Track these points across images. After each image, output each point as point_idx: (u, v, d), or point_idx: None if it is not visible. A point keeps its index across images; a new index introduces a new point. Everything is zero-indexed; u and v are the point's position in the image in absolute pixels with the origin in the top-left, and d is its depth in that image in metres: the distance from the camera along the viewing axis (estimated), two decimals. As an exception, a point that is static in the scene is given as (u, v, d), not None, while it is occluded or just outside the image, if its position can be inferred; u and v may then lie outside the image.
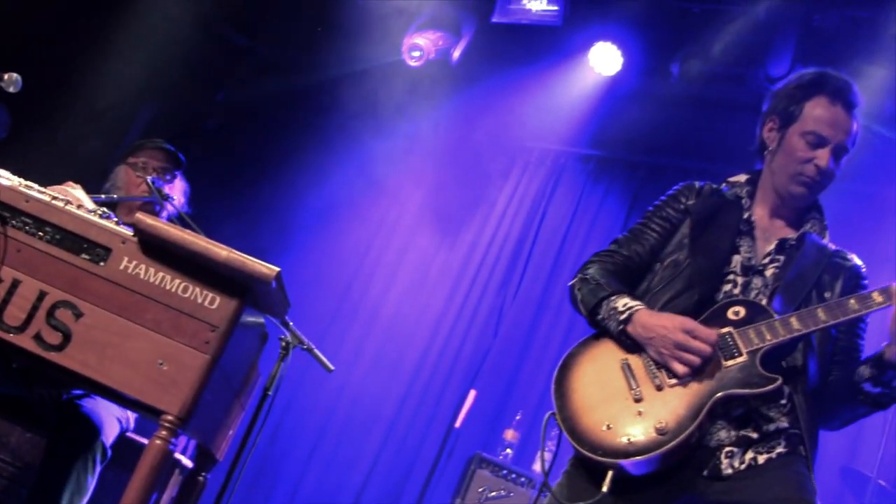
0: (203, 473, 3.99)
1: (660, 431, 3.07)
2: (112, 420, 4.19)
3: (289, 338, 4.08)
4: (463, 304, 8.05)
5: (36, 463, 4.22)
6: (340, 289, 8.42)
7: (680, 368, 3.15)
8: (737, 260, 3.42)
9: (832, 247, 3.53)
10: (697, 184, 3.64)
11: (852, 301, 3.16)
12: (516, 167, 8.54)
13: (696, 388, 3.14)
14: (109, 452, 4.14)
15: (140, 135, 8.41)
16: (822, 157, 3.38)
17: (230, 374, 3.51)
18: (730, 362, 3.17)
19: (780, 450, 3.19)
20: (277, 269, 3.22)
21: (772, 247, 3.44)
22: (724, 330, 3.24)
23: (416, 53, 8.01)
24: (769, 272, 3.41)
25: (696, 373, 3.16)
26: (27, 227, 3.36)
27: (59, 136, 7.58)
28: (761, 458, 3.17)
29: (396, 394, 7.76)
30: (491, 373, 7.65)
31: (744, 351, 3.18)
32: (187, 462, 4.80)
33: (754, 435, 3.19)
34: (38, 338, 3.24)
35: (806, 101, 3.43)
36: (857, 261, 3.53)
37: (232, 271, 3.24)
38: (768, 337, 3.17)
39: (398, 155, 8.65)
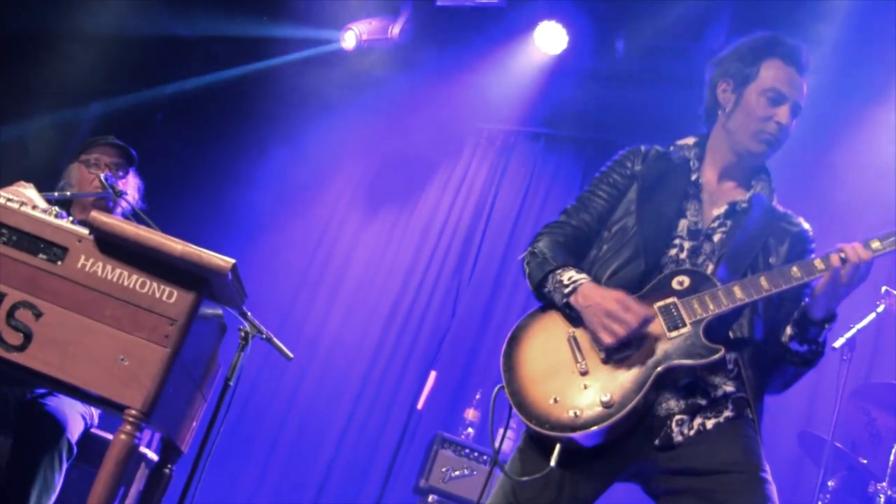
0: (169, 466, 4.03)
1: (605, 405, 3.10)
2: (76, 417, 4.23)
3: (247, 328, 4.12)
4: (419, 287, 8.10)
5: (2, 462, 4.24)
6: (296, 277, 8.45)
7: (606, 338, 3.16)
8: (683, 224, 3.43)
9: (780, 209, 3.55)
10: (643, 147, 3.64)
11: (794, 269, 3.19)
12: (466, 148, 8.59)
13: (640, 360, 3.17)
14: (75, 449, 4.17)
15: (90, 132, 8.38)
16: (783, 113, 3.42)
17: (191, 366, 3.56)
18: (674, 333, 3.19)
19: (727, 414, 3.23)
20: (233, 260, 3.27)
21: (721, 210, 3.45)
22: (669, 301, 3.26)
23: (350, 37, 8.02)
24: (717, 237, 3.42)
25: (641, 345, 3.19)
26: (-16, 234, 3.38)
27: (7, 137, 7.52)
28: (709, 424, 3.20)
29: (357, 378, 7.81)
30: (450, 353, 7.70)
31: (688, 322, 3.20)
32: (153, 455, 4.84)
33: (702, 401, 3.23)
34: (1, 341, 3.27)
35: (762, 62, 3.46)
36: (805, 224, 3.55)
37: (188, 265, 3.29)
38: (711, 307, 3.19)
39: (346, 142, 8.69)
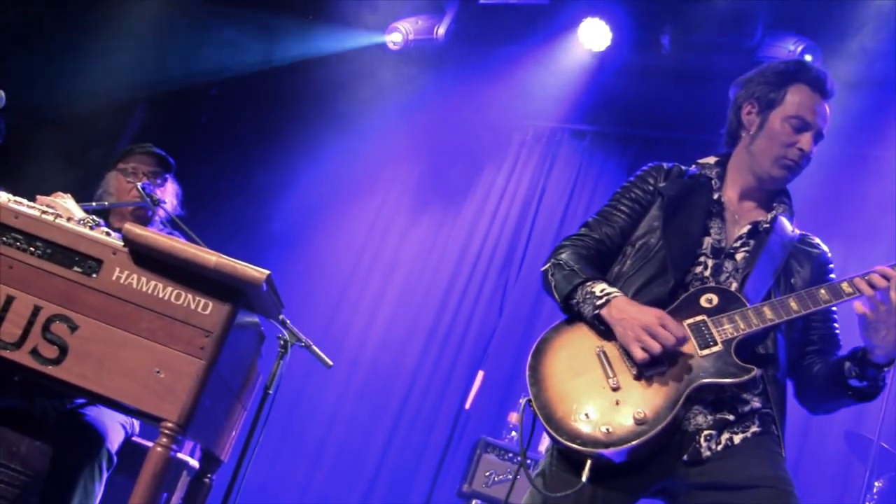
0: (209, 475, 4.03)
1: (638, 422, 3.07)
2: (116, 426, 4.23)
3: (286, 336, 4.10)
4: (467, 286, 8.06)
5: (43, 473, 4.26)
6: (343, 278, 8.45)
7: (640, 353, 3.14)
8: (707, 242, 3.43)
9: (797, 232, 3.56)
10: (665, 165, 3.65)
11: (823, 291, 3.20)
12: (512, 146, 8.55)
13: (672, 377, 3.14)
14: (115, 459, 4.17)
15: (135, 137, 8.42)
16: (805, 141, 3.43)
17: (228, 376, 3.54)
18: (705, 351, 3.17)
19: (754, 429, 3.22)
20: (267, 271, 3.25)
21: (744, 230, 3.45)
22: (699, 318, 3.24)
23: (397, 37, 8.04)
24: (739, 256, 3.42)
25: (673, 362, 3.16)
26: (18, 243, 3.38)
27: (51, 146, 7.56)
28: (737, 439, 3.19)
29: (404, 380, 7.79)
30: (497, 353, 7.67)
31: (719, 340, 3.18)
32: (194, 463, 4.84)
33: (730, 417, 3.21)
34: (34, 353, 3.27)
35: (787, 87, 3.46)
36: (824, 247, 3.58)
37: (222, 276, 3.27)
38: (742, 326, 3.19)
39: (391, 143, 8.67)
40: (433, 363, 7.80)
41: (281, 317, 3.91)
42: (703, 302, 3.28)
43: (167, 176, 4.90)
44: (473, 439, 6.42)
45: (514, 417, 6.27)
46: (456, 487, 6.19)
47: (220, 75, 8.90)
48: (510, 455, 5.70)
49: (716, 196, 3.51)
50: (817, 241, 3.59)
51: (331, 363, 4.41)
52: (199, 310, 3.29)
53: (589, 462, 3.09)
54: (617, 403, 3.13)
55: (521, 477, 5.55)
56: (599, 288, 3.29)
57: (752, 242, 3.44)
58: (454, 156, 8.56)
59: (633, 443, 3.04)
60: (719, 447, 3.17)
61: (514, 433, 6.16)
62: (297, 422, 7.74)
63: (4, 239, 3.40)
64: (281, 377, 4.08)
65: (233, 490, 4.11)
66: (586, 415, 3.13)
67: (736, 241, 3.44)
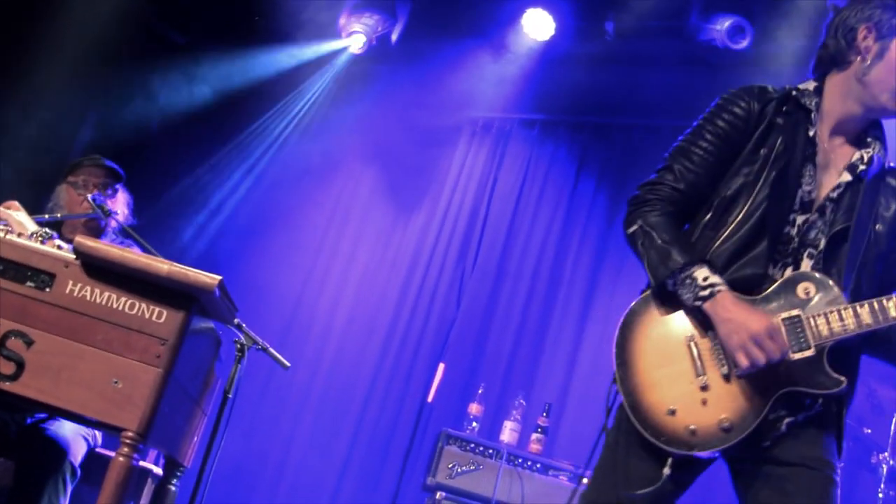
0: (173, 482, 4.05)
1: (724, 428, 2.99)
2: (78, 439, 4.24)
3: (243, 339, 4.13)
4: (423, 279, 8.09)
5: (5, 488, 4.27)
6: (300, 277, 8.43)
7: (744, 361, 2.96)
8: (798, 193, 3.18)
9: (891, 165, 3.31)
10: (757, 87, 3.30)
11: None
12: (462, 138, 8.57)
13: (763, 381, 3.01)
14: (79, 471, 4.18)
15: (85, 148, 8.37)
16: None
17: (186, 382, 3.57)
18: (797, 355, 3.00)
19: (817, 408, 3.11)
20: (218, 277, 3.28)
21: (842, 178, 3.19)
22: (794, 313, 3.04)
23: (361, 40, 8.08)
24: (830, 209, 3.18)
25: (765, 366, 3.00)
26: (-34, 260, 3.40)
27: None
28: (800, 416, 3.09)
29: (366, 376, 7.80)
30: (457, 345, 7.69)
31: (812, 344, 2.99)
32: (158, 471, 4.86)
33: (806, 402, 3.09)
34: (-7, 370, 3.29)
35: None
36: None
37: (175, 284, 3.30)
38: (837, 330, 2.98)
39: (342, 141, 8.67)
40: (394, 358, 7.82)
41: (236, 321, 3.93)
42: (800, 292, 3.08)
43: (117, 186, 4.91)
44: (437, 432, 6.46)
45: (474, 408, 6.31)
46: (416, 484, 6.25)
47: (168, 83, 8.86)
48: (472, 446, 5.74)
49: (811, 133, 3.21)
50: None
51: (288, 364, 4.43)
52: (154, 318, 3.32)
53: (671, 459, 3.03)
54: (704, 403, 3.03)
55: (482, 467, 5.62)
56: (702, 276, 3.05)
57: (848, 192, 3.18)
58: (406, 152, 8.57)
59: (718, 448, 3.00)
60: (788, 426, 3.09)
61: (475, 424, 6.20)
62: (260, 424, 7.75)
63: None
64: (240, 380, 4.10)
65: (197, 495, 4.12)
66: (672, 410, 3.04)
67: (833, 191, 3.19)
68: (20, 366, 3.28)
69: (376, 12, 8.08)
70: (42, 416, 4.23)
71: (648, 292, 3.21)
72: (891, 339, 3.17)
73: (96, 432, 4.43)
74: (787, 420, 3.07)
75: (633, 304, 3.21)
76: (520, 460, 5.70)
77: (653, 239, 3.14)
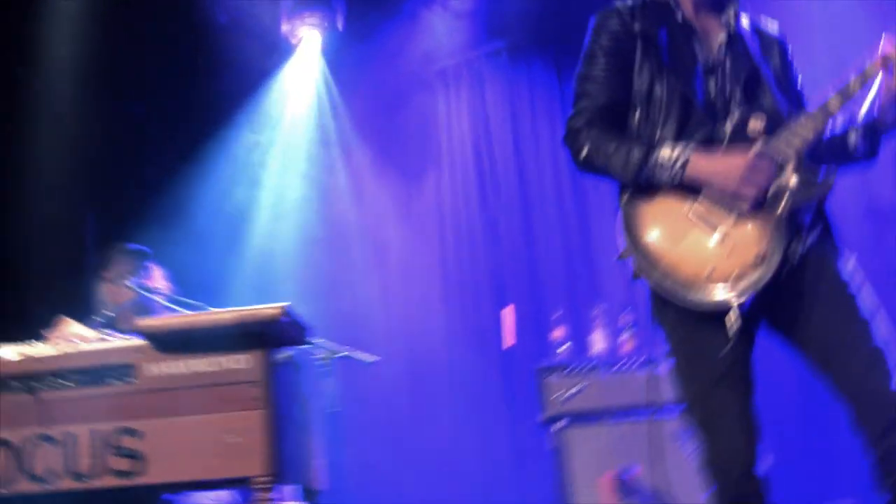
0: (317, 508, 4.15)
1: (760, 258, 3.10)
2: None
3: (323, 353, 4.20)
4: (456, 238, 8.07)
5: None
6: (335, 271, 8.37)
7: (748, 191, 3.12)
8: (698, 65, 3.33)
9: (750, 18, 3.48)
10: (617, 5, 3.47)
11: (853, 82, 3.18)
12: (440, 94, 8.54)
13: (767, 210, 3.15)
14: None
15: (97, 238, 8.43)
16: None
17: (289, 412, 3.64)
18: (783, 175, 3.17)
19: (818, 230, 3.24)
20: (283, 305, 3.36)
21: (720, 40, 3.36)
22: (760, 142, 3.19)
23: (315, 35, 8.11)
24: (728, 65, 3.34)
25: (763, 195, 3.15)
26: (54, 384, 3.51)
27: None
28: (809, 239, 3.20)
29: (441, 348, 7.81)
30: (513, 283, 7.72)
31: (791, 155, 3.16)
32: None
33: (806, 221, 3.21)
34: (116, 472, 3.40)
35: None
36: (775, 27, 3.53)
37: (244, 327, 3.39)
38: (805, 135, 3.18)
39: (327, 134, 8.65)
40: (460, 319, 7.84)
41: (311, 340, 4.00)
42: (751, 129, 3.23)
43: (148, 264, 4.97)
44: (528, 374, 6.48)
45: (556, 334, 6.36)
46: (532, 424, 6.28)
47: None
48: (569, 369, 5.78)
49: (680, 18, 3.39)
50: (768, 21, 3.53)
51: (372, 358, 4.50)
52: (239, 366, 3.41)
53: (731, 315, 3.09)
54: (732, 251, 3.15)
55: (588, 381, 5.68)
56: (668, 154, 3.20)
57: (732, 47, 3.36)
58: (391, 126, 8.55)
59: (766, 279, 3.08)
60: (805, 248, 3.19)
61: (563, 347, 6.24)
62: (367, 423, 7.75)
63: (40, 386, 3.52)
64: (338, 392, 4.19)
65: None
66: (709, 273, 3.14)
67: (719, 53, 3.35)
68: (138, 457, 3.39)
69: (315, 9, 8.09)
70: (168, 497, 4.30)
71: (627, 195, 3.32)
72: (839, 145, 3.35)
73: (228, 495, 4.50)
74: (800, 245, 3.16)
75: (620, 212, 3.32)
76: (620, 363, 5.75)
77: (606, 150, 3.29)
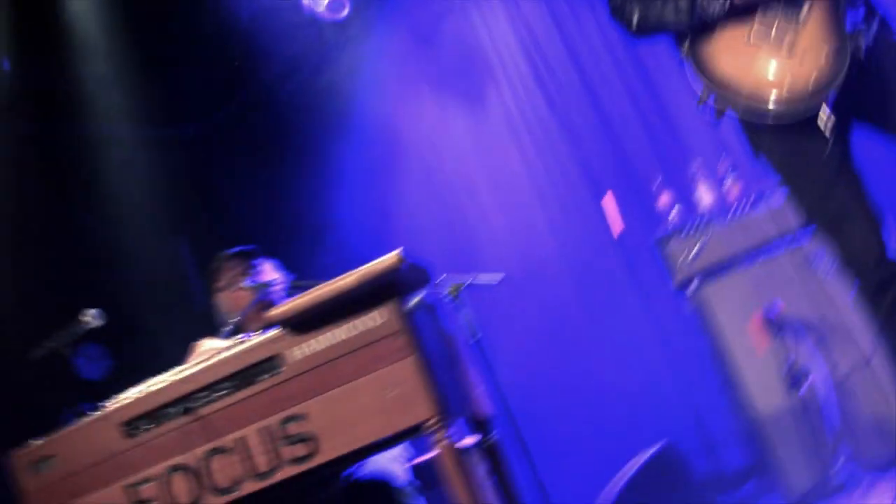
0: (490, 435, 4.17)
1: (833, 57, 3.16)
2: (392, 463, 4.37)
3: (449, 289, 4.21)
4: (538, 146, 7.99)
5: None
6: (443, 216, 8.38)
7: None
8: None
9: None
10: None
11: None
12: (473, 13, 8.46)
13: (820, 8, 3.21)
14: (412, 485, 4.31)
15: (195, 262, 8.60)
16: None
17: (436, 351, 3.66)
18: None
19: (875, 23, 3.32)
20: (398, 251, 3.37)
21: None
22: None
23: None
24: None
25: None
26: (208, 398, 3.59)
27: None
28: (870, 31, 3.30)
29: (556, 253, 7.78)
30: (604, 171, 7.65)
31: None
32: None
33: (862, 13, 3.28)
34: (293, 460, 3.47)
35: None
36: None
37: (368, 285, 3.41)
38: None
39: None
40: (565, 220, 7.79)
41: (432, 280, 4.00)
42: None
43: (255, 262, 5.01)
44: (646, 252, 6.45)
45: (663, 200, 6.30)
46: (667, 297, 6.26)
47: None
48: (685, 231, 5.74)
49: None
50: None
51: (498, 276, 4.50)
52: (375, 323, 3.43)
53: (823, 113, 3.19)
54: (803, 56, 3.21)
55: (707, 235, 5.62)
56: None
57: None
58: (437, 58, 8.50)
59: (842, 73, 3.15)
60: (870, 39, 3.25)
61: (673, 211, 6.18)
62: (509, 342, 7.72)
63: (195, 406, 3.60)
64: (476, 322, 4.21)
65: (517, 437, 4.24)
66: (790, 84, 3.21)
67: None
68: (312, 440, 3.45)
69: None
70: (350, 471, 4.36)
71: (686, 44, 3.38)
72: None
73: (402, 448, 4.54)
74: (863, 39, 3.22)
75: (687, 60, 3.39)
76: (732, 210, 5.70)
77: (654, 8, 3.37)
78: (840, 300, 5.10)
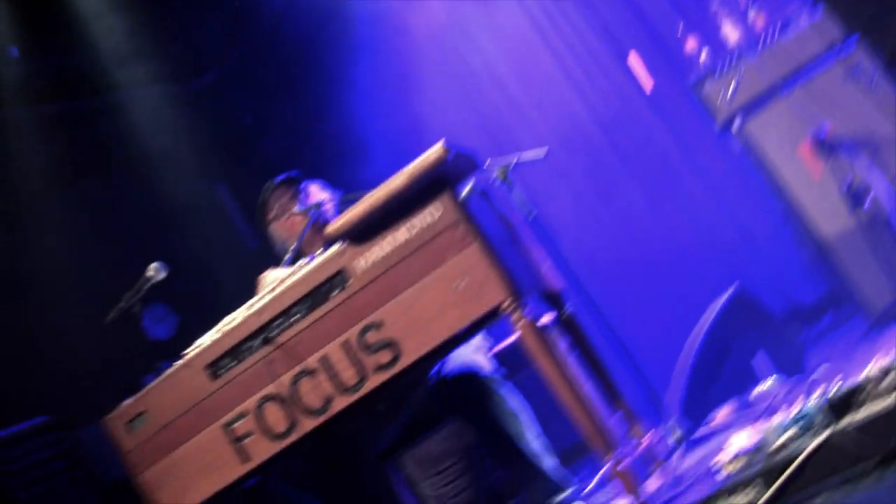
0: (564, 309, 4.19)
1: None
2: (476, 354, 4.38)
3: (497, 172, 4.17)
4: (557, 17, 7.85)
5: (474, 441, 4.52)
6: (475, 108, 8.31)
7: None
8: None
9: None
10: None
11: None
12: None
13: None
14: (499, 372, 4.33)
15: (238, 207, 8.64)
16: None
17: (497, 233, 3.67)
18: None
19: None
20: (440, 144, 3.36)
21: None
22: None
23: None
24: None
25: None
26: (284, 325, 3.62)
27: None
28: None
29: (591, 119, 7.71)
30: (623, 32, 7.53)
31: None
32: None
33: None
34: (378, 368, 3.50)
35: None
36: None
37: (418, 182, 3.41)
38: None
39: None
40: (595, 85, 7.70)
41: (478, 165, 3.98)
42: None
43: (300, 186, 5.00)
44: (685, 91, 6.32)
45: (690, 46, 6.20)
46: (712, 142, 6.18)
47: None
48: (717, 71, 5.65)
49: None
50: None
51: (543, 151, 4.45)
52: (433, 218, 3.44)
53: None
54: None
55: (738, 71, 5.54)
56: None
57: None
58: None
59: None
60: None
61: (703, 55, 6.08)
62: (565, 218, 7.67)
63: (273, 335, 3.64)
64: (527, 200, 4.17)
65: (591, 306, 4.25)
66: None
67: None
68: (392, 344, 3.47)
69: None
70: (435, 370, 4.37)
71: None
72: None
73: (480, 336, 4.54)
74: None
75: None
76: (762, 40, 5.60)
77: None
78: (887, 108, 5.01)
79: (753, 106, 5.53)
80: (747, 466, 3.14)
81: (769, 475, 2.52)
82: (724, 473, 3.28)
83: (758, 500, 2.47)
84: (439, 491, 4.56)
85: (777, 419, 3.43)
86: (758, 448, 3.25)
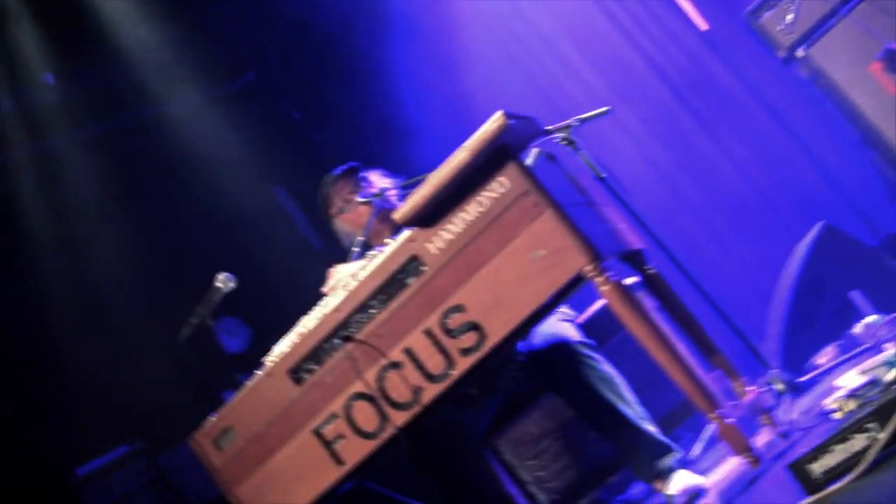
0: (647, 269, 4.04)
1: None
2: (560, 324, 4.24)
3: (563, 134, 4.03)
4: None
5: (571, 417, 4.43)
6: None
7: None
8: None
9: None
10: None
11: None
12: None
13: None
14: (588, 343, 4.18)
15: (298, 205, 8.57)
16: None
17: (571, 198, 3.53)
18: None
19: None
20: (499, 114, 3.22)
21: None
22: None
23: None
24: None
25: None
26: (363, 320, 3.51)
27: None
28: None
29: (651, 71, 7.53)
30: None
31: None
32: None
33: None
34: (464, 351, 3.37)
35: None
36: None
37: (481, 155, 3.27)
38: None
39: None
40: (646, 34, 7.50)
41: (542, 130, 3.84)
42: None
43: (361, 175, 4.89)
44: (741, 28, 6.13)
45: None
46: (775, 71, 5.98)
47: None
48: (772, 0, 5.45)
49: None
50: None
51: (606, 108, 4.30)
52: (502, 190, 3.30)
53: None
54: None
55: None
56: None
57: None
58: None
59: None
60: None
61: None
62: (632, 170, 7.50)
63: (352, 331, 3.53)
64: (594, 162, 4.03)
65: (674, 262, 4.09)
66: None
67: None
68: (475, 326, 3.35)
69: None
70: (523, 345, 4.25)
71: None
72: None
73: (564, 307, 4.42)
74: None
75: None
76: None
77: None
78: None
79: (815, 30, 5.30)
80: (861, 406, 2.98)
81: (884, 412, 2.35)
82: (836, 416, 3.12)
83: (877, 437, 2.31)
84: (538, 474, 4.45)
85: (883, 355, 3.28)
86: (869, 385, 3.10)
